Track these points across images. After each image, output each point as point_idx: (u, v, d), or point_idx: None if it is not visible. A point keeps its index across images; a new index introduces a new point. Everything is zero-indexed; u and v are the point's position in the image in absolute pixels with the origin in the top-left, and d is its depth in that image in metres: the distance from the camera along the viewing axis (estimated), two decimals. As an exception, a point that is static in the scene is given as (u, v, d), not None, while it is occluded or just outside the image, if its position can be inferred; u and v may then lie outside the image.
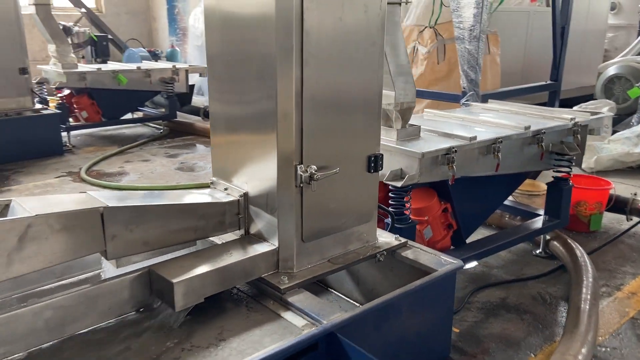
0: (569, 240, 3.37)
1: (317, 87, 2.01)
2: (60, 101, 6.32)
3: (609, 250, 3.59)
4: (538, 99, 6.82)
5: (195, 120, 7.72)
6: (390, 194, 2.76)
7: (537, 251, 3.52)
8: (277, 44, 1.91)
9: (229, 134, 2.29)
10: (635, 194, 3.89)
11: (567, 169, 3.42)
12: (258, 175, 2.14)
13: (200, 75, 7.80)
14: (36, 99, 6.14)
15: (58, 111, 6.04)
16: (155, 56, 10.15)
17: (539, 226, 3.40)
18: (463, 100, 5.06)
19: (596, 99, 7.19)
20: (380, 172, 2.35)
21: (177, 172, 5.40)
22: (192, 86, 8.15)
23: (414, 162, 2.66)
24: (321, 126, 2.07)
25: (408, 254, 2.40)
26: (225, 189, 2.30)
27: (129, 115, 7.53)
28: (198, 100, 9.40)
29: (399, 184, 2.64)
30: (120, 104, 6.84)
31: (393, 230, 2.73)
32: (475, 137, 2.84)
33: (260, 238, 2.20)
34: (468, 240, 3.27)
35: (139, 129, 7.45)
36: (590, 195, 3.80)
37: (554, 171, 3.45)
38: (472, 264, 3.35)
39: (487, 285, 3.09)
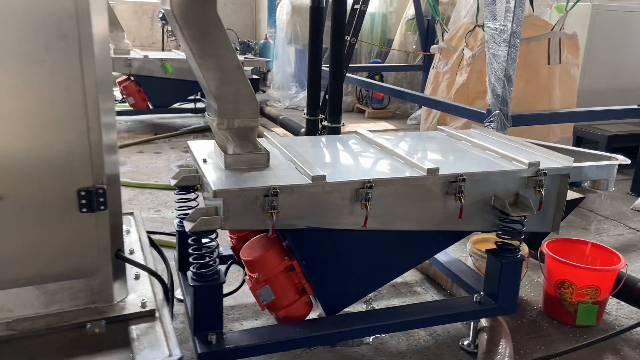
0: (502, 335, 2.34)
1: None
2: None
3: (584, 361, 2.45)
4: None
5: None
6: (189, 240, 2.09)
7: (466, 342, 2.52)
8: None
9: None
10: (663, 282, 2.63)
11: (511, 236, 2.37)
12: None
13: (259, 69, 7.47)
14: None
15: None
16: (248, 48, 10.12)
17: (467, 308, 2.42)
18: (486, 121, 4.01)
19: None
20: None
21: (170, 169, 5.12)
22: (257, 80, 7.86)
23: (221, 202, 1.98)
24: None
25: (136, 329, 1.74)
26: None
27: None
28: (275, 95, 9.14)
29: (188, 227, 1.97)
30: (167, 93, 6.76)
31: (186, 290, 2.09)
32: (322, 177, 2.03)
33: None
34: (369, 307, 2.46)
35: (192, 120, 7.36)
36: (578, 274, 2.64)
37: (498, 235, 2.42)
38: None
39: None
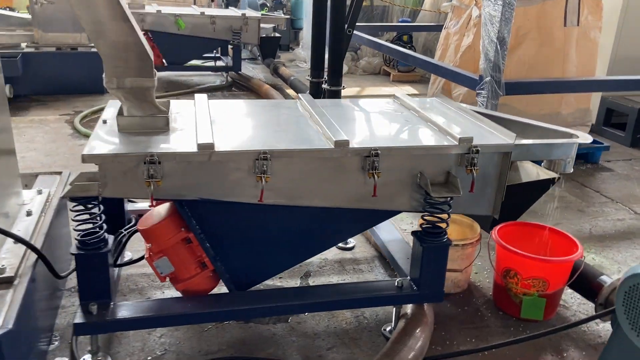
0: (419, 325, 2.14)
1: None
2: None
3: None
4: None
5: (259, 76, 7.28)
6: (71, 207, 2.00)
7: (388, 328, 2.33)
8: None
9: None
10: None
11: (434, 218, 2.13)
12: None
13: (277, 27, 7.24)
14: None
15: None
16: (280, 4, 9.87)
17: (384, 293, 2.22)
18: (477, 89, 3.69)
19: None
20: None
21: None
22: (278, 38, 7.63)
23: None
24: None
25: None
26: None
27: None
28: (301, 54, 8.90)
29: (62, 193, 1.89)
30: (181, 49, 6.67)
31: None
32: (210, 146, 1.88)
33: None
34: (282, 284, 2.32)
35: (210, 78, 7.28)
36: (523, 264, 2.37)
37: (422, 217, 2.19)
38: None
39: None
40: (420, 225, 2.19)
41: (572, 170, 2.30)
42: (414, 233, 2.22)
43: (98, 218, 1.96)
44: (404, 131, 2.27)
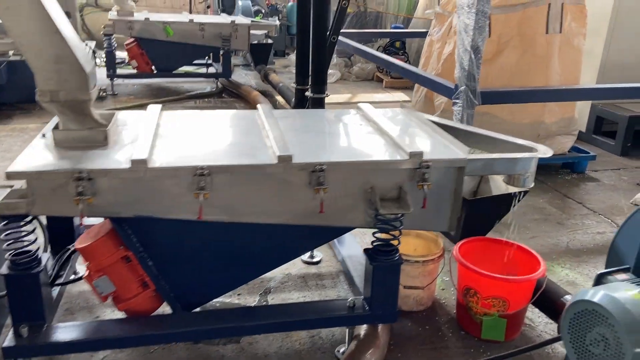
0: (370, 347, 2.05)
1: None
2: (107, 49, 6.40)
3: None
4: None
5: (251, 82, 7.22)
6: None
7: (342, 349, 2.24)
8: None
9: None
10: (589, 299, 2.21)
11: (386, 235, 2.05)
12: None
13: (268, 34, 7.19)
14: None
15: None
16: (275, 11, 9.82)
17: (334, 314, 2.13)
18: (453, 98, 3.60)
19: None
20: None
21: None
22: (270, 45, 7.58)
23: (31, 184, 1.80)
24: None
25: None
26: None
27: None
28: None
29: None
30: (170, 56, 6.63)
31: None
32: (143, 162, 1.81)
33: None
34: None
35: (201, 85, 7.23)
36: (482, 282, 2.27)
37: (373, 234, 2.10)
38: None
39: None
40: (372, 242, 2.10)
41: (532, 185, 2.21)
42: (365, 251, 2.13)
43: (30, 237, 1.89)
44: (356, 144, 2.19)
